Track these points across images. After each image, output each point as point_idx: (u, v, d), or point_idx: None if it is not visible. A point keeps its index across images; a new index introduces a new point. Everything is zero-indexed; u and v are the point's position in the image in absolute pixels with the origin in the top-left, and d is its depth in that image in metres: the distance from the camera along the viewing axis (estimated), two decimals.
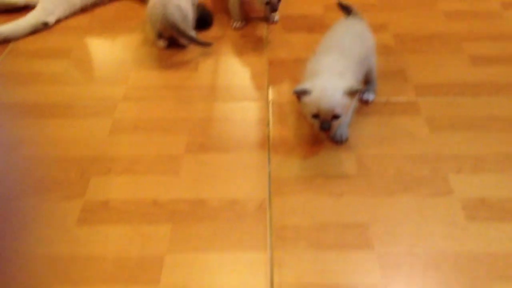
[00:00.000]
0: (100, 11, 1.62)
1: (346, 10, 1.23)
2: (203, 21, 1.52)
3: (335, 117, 1.02)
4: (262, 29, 1.54)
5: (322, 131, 1.04)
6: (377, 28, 1.43)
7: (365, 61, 1.15)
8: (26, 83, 1.32)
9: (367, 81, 1.22)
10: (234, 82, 1.32)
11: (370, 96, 1.23)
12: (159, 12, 1.37)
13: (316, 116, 1.02)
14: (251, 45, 1.47)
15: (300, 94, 1.03)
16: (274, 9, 1.46)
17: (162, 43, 1.45)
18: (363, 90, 1.21)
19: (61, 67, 1.38)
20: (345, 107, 1.01)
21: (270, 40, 1.48)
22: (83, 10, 1.61)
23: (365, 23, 1.21)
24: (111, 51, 1.45)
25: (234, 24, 1.55)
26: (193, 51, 1.44)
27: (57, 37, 1.50)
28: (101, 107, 1.23)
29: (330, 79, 1.03)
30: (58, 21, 1.55)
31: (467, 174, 1.05)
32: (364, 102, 1.22)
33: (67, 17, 1.57)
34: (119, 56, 1.42)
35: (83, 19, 1.59)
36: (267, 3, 1.44)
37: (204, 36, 1.50)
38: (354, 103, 1.06)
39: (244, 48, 1.46)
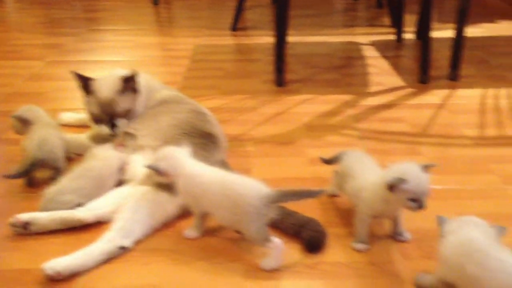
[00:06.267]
0: (185, 225, 1.33)
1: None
2: (312, 243, 1.23)
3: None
4: (393, 253, 1.23)
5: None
6: None
7: None
8: None
9: None
10: None
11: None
12: None
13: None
14: (385, 280, 1.14)
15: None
16: (421, 206, 1.15)
17: None
18: None
19: None
20: None
21: (408, 271, 1.16)
22: (166, 225, 1.32)
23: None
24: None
25: (358, 246, 1.24)
26: None
27: (138, 268, 1.19)
28: None
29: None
30: (137, 242, 1.26)
31: None
32: None
33: (147, 236, 1.28)
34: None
35: (166, 238, 1.29)
36: (414, 201, 1.14)
37: (319, 260, 1.20)
38: None
39: (377, 285, 1.13)
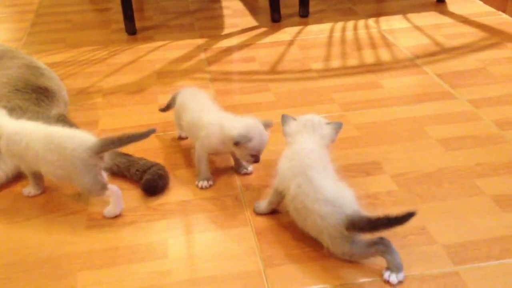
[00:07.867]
0: (25, 184, 1.27)
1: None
2: (148, 186, 1.24)
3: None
4: (235, 187, 1.27)
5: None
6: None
7: None
8: None
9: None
10: (220, 272, 1.02)
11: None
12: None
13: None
14: (228, 211, 1.19)
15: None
16: (257, 160, 1.21)
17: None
18: None
19: None
20: None
21: (249, 200, 1.22)
22: (3, 186, 1.25)
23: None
24: (51, 248, 1.10)
25: (200, 184, 1.27)
26: (160, 228, 1.13)
27: None
28: None
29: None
30: None
31: None
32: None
33: None
34: (62, 254, 1.08)
35: (1, 199, 1.23)
36: (253, 156, 1.20)
37: (163, 201, 1.21)
38: None
39: (220, 217, 1.17)
